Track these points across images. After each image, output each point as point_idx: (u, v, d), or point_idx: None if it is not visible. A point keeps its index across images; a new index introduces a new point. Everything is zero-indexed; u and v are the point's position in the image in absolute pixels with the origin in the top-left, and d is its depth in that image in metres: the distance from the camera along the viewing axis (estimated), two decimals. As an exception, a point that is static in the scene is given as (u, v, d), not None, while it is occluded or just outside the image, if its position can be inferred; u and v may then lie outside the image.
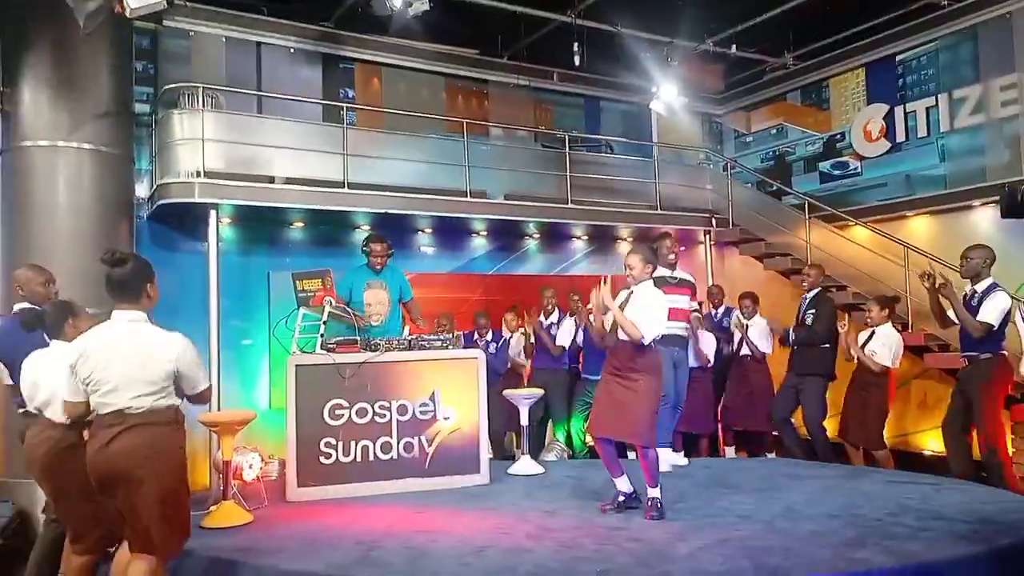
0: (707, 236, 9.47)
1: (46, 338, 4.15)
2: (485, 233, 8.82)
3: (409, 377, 5.61)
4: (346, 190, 7.27)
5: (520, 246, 9.16)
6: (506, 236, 8.96)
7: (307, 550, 4.07)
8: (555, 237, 9.28)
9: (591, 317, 4.93)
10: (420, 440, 5.57)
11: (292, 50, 8.44)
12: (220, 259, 6.97)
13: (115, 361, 3.23)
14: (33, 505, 5.40)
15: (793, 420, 7.04)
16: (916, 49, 8.55)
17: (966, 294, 5.73)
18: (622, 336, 4.59)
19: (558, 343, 7.29)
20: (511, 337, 7.54)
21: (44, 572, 4.29)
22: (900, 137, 8.71)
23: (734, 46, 9.20)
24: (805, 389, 6.78)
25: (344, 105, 8.02)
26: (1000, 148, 7.79)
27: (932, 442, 7.51)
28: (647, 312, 4.54)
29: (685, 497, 5.02)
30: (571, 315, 7.40)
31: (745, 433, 7.73)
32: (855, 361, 6.58)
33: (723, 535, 4.11)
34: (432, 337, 5.79)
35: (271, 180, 7.12)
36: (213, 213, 6.92)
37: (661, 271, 6.00)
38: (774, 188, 9.81)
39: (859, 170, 9.17)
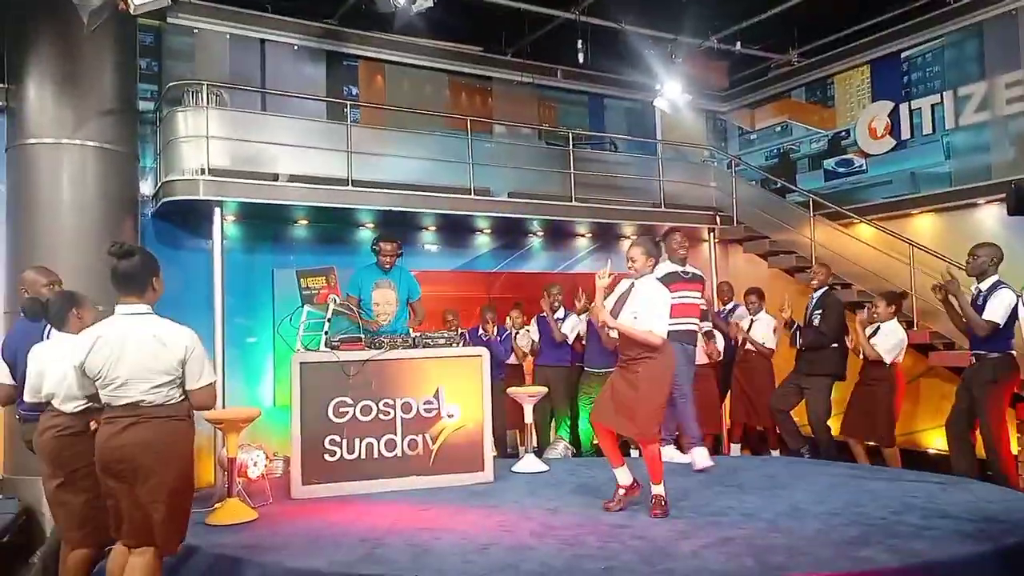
0: (711, 234, 9.45)
1: (45, 333, 4.16)
2: (489, 231, 8.81)
3: (413, 374, 5.61)
4: (350, 187, 7.25)
5: (524, 244, 9.15)
6: (510, 234, 8.95)
7: (311, 547, 4.07)
8: (559, 235, 9.27)
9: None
10: (424, 438, 5.58)
11: (296, 47, 8.44)
12: (224, 256, 6.97)
13: (128, 353, 3.23)
14: (38, 503, 5.42)
15: (796, 420, 7.02)
16: (921, 46, 8.52)
17: (973, 294, 5.71)
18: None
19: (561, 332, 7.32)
20: (516, 333, 7.55)
21: (50, 567, 4.31)
22: (905, 134, 8.68)
23: (738, 43, 9.19)
24: (812, 387, 6.75)
25: (348, 102, 8.01)
26: (1005, 145, 7.76)
27: (937, 440, 7.48)
28: (650, 307, 4.49)
29: (689, 495, 5.02)
30: (579, 314, 7.41)
31: (748, 431, 7.73)
32: (860, 358, 6.57)
33: (727, 533, 4.10)
34: (436, 335, 5.79)
35: (275, 177, 7.12)
36: (217, 210, 6.92)
37: (673, 266, 6.01)
38: (778, 185, 9.80)
39: (864, 167, 9.14)
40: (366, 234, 8.08)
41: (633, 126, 10.34)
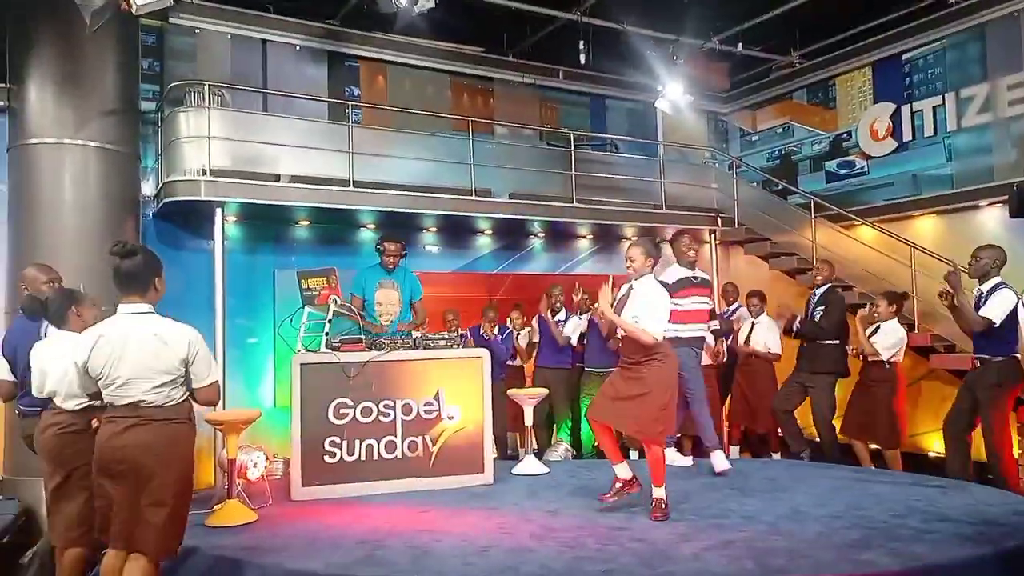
0: (712, 235, 9.44)
1: (43, 331, 4.15)
2: (490, 232, 8.81)
3: (414, 376, 5.61)
4: (351, 188, 7.26)
5: (525, 245, 9.16)
6: (511, 235, 8.95)
7: (311, 549, 4.07)
8: (560, 236, 9.27)
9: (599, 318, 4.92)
10: (424, 439, 5.57)
11: (297, 48, 8.44)
12: (225, 257, 6.98)
13: (129, 352, 3.23)
14: (38, 503, 5.42)
15: (799, 421, 7.01)
16: (923, 48, 8.51)
17: (975, 296, 5.68)
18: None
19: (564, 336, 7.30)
20: (517, 333, 7.54)
21: (47, 565, 4.31)
22: (907, 136, 8.68)
23: (740, 44, 9.18)
24: (815, 386, 6.70)
25: (349, 103, 8.01)
26: (1007, 147, 7.75)
27: (937, 444, 7.47)
28: (649, 308, 4.47)
29: (689, 497, 5.01)
30: (580, 315, 7.39)
31: (749, 434, 7.72)
32: (860, 359, 6.56)
33: (727, 536, 4.10)
34: (437, 336, 5.79)
35: (276, 178, 7.12)
36: (219, 211, 6.93)
37: (683, 271, 5.99)
38: (780, 187, 9.79)
39: (865, 169, 9.13)
40: (367, 235, 8.08)
41: (634, 127, 10.33)
